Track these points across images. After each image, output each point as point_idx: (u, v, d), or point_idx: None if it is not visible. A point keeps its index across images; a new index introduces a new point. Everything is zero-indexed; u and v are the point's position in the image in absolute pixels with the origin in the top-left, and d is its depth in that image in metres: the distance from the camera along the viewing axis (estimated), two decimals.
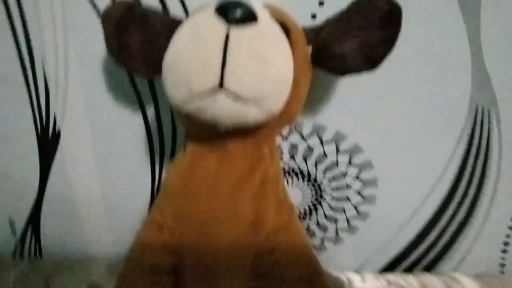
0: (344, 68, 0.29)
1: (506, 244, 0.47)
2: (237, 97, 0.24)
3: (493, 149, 0.40)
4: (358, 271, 0.48)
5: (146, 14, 0.29)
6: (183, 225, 0.30)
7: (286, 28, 0.27)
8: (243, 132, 0.28)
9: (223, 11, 0.23)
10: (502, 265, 0.49)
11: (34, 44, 0.35)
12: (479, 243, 0.47)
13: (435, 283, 0.45)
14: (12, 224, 0.47)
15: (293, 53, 0.26)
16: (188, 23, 0.25)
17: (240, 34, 0.23)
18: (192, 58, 0.23)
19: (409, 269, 0.49)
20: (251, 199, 0.29)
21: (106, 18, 0.28)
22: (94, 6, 0.33)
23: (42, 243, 0.48)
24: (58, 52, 0.36)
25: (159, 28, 0.29)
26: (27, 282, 0.42)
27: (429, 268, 0.49)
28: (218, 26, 0.23)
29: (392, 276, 0.46)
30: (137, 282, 0.30)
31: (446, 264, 0.49)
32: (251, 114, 0.25)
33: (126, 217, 0.44)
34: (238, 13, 0.23)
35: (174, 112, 0.33)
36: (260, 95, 0.24)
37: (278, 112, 0.26)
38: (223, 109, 0.24)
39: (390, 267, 0.49)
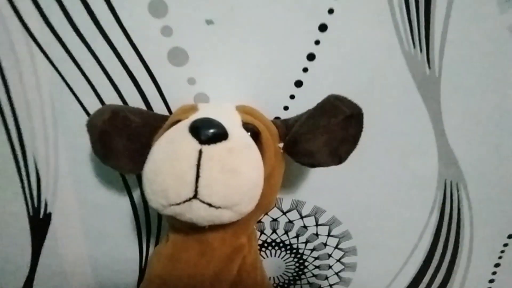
0: (313, 162, 0.31)
1: None
2: (211, 206, 0.26)
3: (464, 217, 0.42)
4: None
5: (128, 117, 0.32)
6: None
7: (256, 131, 0.29)
8: (221, 226, 0.30)
9: (196, 131, 0.25)
10: None
11: (25, 137, 0.38)
12: None
13: None
14: None
15: (263, 154, 0.29)
16: (164, 138, 0.27)
17: (212, 151, 0.25)
18: (168, 172, 0.26)
19: None
20: (228, 282, 0.31)
21: (90, 127, 0.31)
22: (82, 104, 0.36)
23: None
24: (48, 144, 0.38)
25: (141, 128, 0.32)
26: None
27: None
28: (191, 144, 0.25)
29: None
30: None
31: None
32: (225, 217, 0.27)
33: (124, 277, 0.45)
34: (210, 133, 0.25)
35: None
36: (231, 203, 0.26)
37: (250, 211, 0.28)
38: (198, 215, 0.26)
39: None
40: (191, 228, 0.31)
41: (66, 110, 0.36)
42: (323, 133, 0.30)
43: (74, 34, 0.33)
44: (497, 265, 0.46)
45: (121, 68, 0.34)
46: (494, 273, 0.46)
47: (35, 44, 0.34)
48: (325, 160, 0.31)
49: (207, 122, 0.26)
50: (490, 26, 0.32)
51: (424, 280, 0.46)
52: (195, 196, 0.26)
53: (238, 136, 0.27)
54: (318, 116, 0.30)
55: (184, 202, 0.26)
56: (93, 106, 0.35)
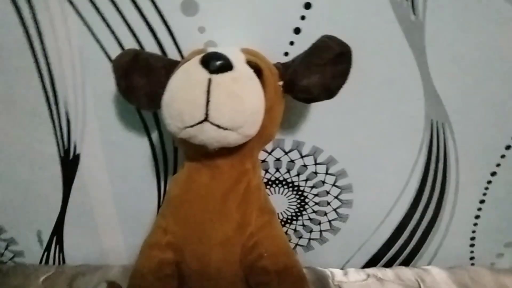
0: (308, 97, 0.36)
1: (472, 238, 0.53)
2: (219, 127, 0.31)
3: (450, 156, 0.47)
4: (342, 268, 0.54)
5: (148, 59, 0.37)
6: (183, 228, 0.37)
7: (258, 70, 0.34)
8: (229, 151, 0.35)
9: (206, 63, 0.30)
10: (472, 258, 0.55)
11: (57, 84, 0.43)
12: (448, 239, 0.53)
13: (409, 275, 0.52)
14: (39, 235, 0.54)
15: (264, 88, 0.33)
16: (180, 70, 0.32)
17: (219, 79, 0.30)
18: (183, 98, 0.31)
19: (388, 265, 0.55)
20: (237, 206, 0.36)
21: (115, 65, 0.36)
22: (106, 54, 0.41)
23: (65, 252, 0.55)
24: (77, 90, 0.43)
25: (159, 69, 0.36)
26: (53, 284, 0.49)
27: (406, 263, 0.55)
28: (202, 74, 0.30)
29: (371, 270, 0.53)
30: (147, 277, 0.37)
31: (421, 259, 0.55)
32: (231, 138, 0.32)
33: (137, 225, 0.51)
34: (217, 64, 0.30)
35: (172, 137, 0.40)
36: (237, 125, 0.31)
37: (254, 134, 0.33)
38: (209, 136, 0.31)
39: (371, 264, 0.55)
40: (203, 156, 0.36)
41: (92, 59, 0.41)
42: (317, 70, 0.34)
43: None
44: (482, 201, 0.50)
45: (140, 19, 0.39)
46: (479, 209, 0.51)
47: (67, 0, 0.38)
48: (319, 95, 0.35)
49: (216, 55, 0.30)
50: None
51: (415, 216, 0.51)
52: (206, 119, 0.30)
53: (242, 69, 0.32)
54: (312, 55, 0.35)
55: (197, 124, 0.31)
56: (116, 54, 0.39)
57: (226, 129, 0.31)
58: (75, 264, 0.54)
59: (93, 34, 0.40)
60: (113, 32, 0.39)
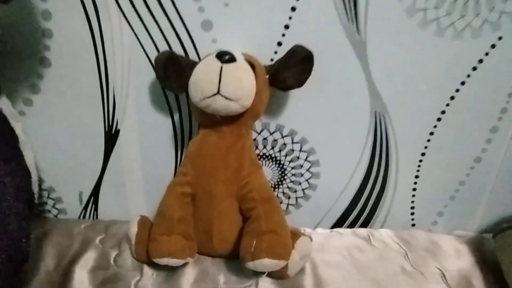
0: (285, 86, 0.54)
1: (412, 208, 0.70)
2: (226, 98, 0.48)
3: (390, 139, 0.64)
4: (314, 229, 0.71)
5: (178, 57, 0.54)
6: (198, 172, 0.54)
7: (252, 65, 0.52)
8: (230, 120, 0.52)
9: (219, 56, 0.48)
10: (413, 225, 0.72)
11: (110, 75, 0.60)
12: (393, 208, 0.70)
13: (362, 231, 0.68)
14: (80, 195, 0.70)
15: (256, 77, 0.51)
16: (202, 62, 0.50)
17: (227, 66, 0.48)
18: (203, 78, 0.48)
19: (351, 226, 0.72)
20: (235, 157, 0.53)
21: (156, 60, 0.53)
22: (147, 55, 0.59)
23: (98, 210, 0.71)
24: (123, 80, 0.60)
25: (184, 65, 0.54)
26: (93, 229, 0.65)
27: (365, 225, 0.72)
28: (217, 63, 0.48)
29: (335, 229, 0.69)
30: (173, 203, 0.53)
31: (374, 224, 0.72)
32: (234, 107, 0.49)
33: (157, 189, 0.67)
34: (227, 57, 0.48)
35: (192, 110, 0.58)
36: (238, 97, 0.48)
37: (248, 106, 0.50)
38: (219, 105, 0.49)
39: (336, 226, 0.72)
40: (213, 123, 0.53)
41: (136, 58, 0.59)
42: (290, 68, 0.52)
43: (146, 11, 0.56)
44: (416, 176, 0.67)
45: (173, 32, 0.57)
46: (415, 183, 0.68)
47: (122, 14, 0.56)
48: (292, 84, 0.53)
49: (226, 52, 0.48)
50: (391, 8, 0.54)
51: (367, 187, 0.68)
52: (218, 93, 0.48)
53: (242, 62, 0.50)
54: (288, 57, 0.53)
55: (211, 96, 0.48)
56: (154, 56, 0.57)
57: (231, 100, 0.48)
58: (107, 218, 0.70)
59: (139, 40, 0.58)
60: (153, 40, 0.57)
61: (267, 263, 0.48)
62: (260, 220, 0.51)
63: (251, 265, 0.49)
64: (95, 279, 0.53)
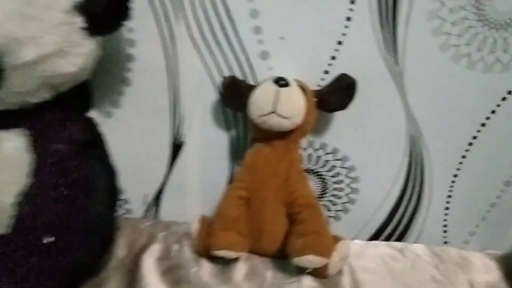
0: (330, 109, 0.62)
1: (445, 226, 0.76)
2: (280, 116, 0.57)
3: (425, 160, 0.71)
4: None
5: (239, 82, 0.64)
6: (252, 179, 0.62)
7: (303, 89, 0.61)
8: (282, 135, 0.61)
9: (276, 81, 0.57)
10: (445, 243, 0.77)
11: (181, 95, 0.71)
12: (427, 224, 0.75)
13: (397, 244, 0.74)
14: (144, 198, 0.80)
15: (306, 100, 0.60)
16: (260, 86, 0.59)
17: (283, 90, 0.57)
18: (262, 99, 0.57)
19: (386, 240, 0.78)
20: (285, 168, 0.62)
21: (223, 83, 0.63)
22: (212, 78, 0.69)
23: (160, 212, 0.81)
24: (191, 99, 0.71)
25: (245, 88, 0.64)
26: (156, 226, 0.75)
27: (399, 240, 0.78)
28: (274, 87, 0.57)
29: (371, 241, 0.75)
30: (230, 203, 0.62)
31: (409, 238, 0.77)
32: (286, 124, 0.58)
33: (212, 197, 0.76)
34: (282, 82, 0.57)
35: (249, 125, 0.66)
36: (290, 115, 0.57)
37: (298, 124, 0.59)
38: (274, 122, 0.58)
39: (373, 239, 0.78)
40: (267, 138, 0.62)
41: (203, 80, 0.69)
42: (336, 92, 0.61)
43: (214, 42, 0.66)
44: (449, 196, 0.73)
45: (234, 60, 0.67)
46: (448, 202, 0.74)
47: (193, 44, 0.67)
48: (336, 107, 0.62)
49: (282, 78, 0.58)
50: (427, 44, 0.62)
51: (402, 204, 0.74)
52: (273, 111, 0.57)
53: (295, 87, 0.59)
54: (334, 84, 0.61)
55: (268, 114, 0.57)
56: (219, 80, 0.67)
57: (284, 117, 0.57)
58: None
59: (206, 66, 0.68)
60: (218, 67, 0.68)
61: (311, 259, 0.56)
62: (305, 223, 0.59)
63: (297, 261, 0.57)
64: (160, 266, 0.62)
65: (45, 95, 0.53)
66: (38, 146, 0.54)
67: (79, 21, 0.50)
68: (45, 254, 0.48)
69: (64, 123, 0.56)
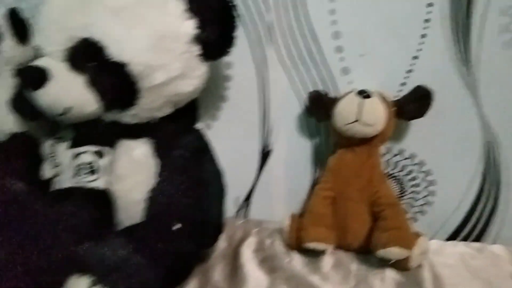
0: (408, 117, 0.69)
1: None
2: (364, 124, 0.65)
3: (501, 164, 0.75)
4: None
5: (322, 95, 0.73)
6: (336, 180, 0.70)
7: (384, 100, 0.68)
8: (364, 141, 0.68)
9: (359, 93, 0.65)
10: None
11: (271, 109, 0.81)
12: (506, 225, 0.79)
13: (475, 245, 0.77)
14: (236, 200, 0.91)
15: (386, 110, 0.67)
16: (345, 97, 0.68)
17: (366, 101, 0.65)
18: (347, 109, 0.66)
19: (464, 240, 0.81)
20: (367, 171, 0.69)
21: (309, 96, 0.73)
22: (297, 94, 0.78)
23: (250, 212, 0.91)
24: (279, 113, 0.80)
25: (327, 101, 0.72)
26: (248, 225, 0.84)
27: (477, 240, 0.81)
28: (357, 98, 0.65)
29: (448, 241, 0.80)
30: (318, 202, 0.70)
31: (487, 239, 0.81)
32: (368, 131, 0.66)
33: (296, 200, 0.85)
34: (365, 93, 0.65)
35: (332, 133, 0.74)
36: (372, 123, 0.65)
37: (379, 132, 0.66)
38: (357, 129, 0.66)
39: (450, 240, 0.82)
40: (350, 144, 0.70)
41: (289, 96, 0.79)
42: (413, 102, 0.68)
43: (299, 61, 0.76)
44: None
45: (317, 77, 0.76)
46: None
47: (282, 63, 0.77)
48: (414, 116, 0.68)
49: (364, 90, 0.66)
50: (500, 55, 0.67)
51: (480, 204, 0.78)
52: (357, 120, 0.65)
53: (376, 98, 0.66)
54: (411, 94, 0.68)
55: (352, 122, 0.65)
56: (304, 96, 0.76)
57: (367, 125, 0.65)
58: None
59: (292, 82, 0.77)
60: (304, 82, 0.77)
61: (395, 251, 0.62)
62: (388, 220, 0.66)
63: (381, 252, 0.63)
64: (256, 257, 0.72)
65: (167, 110, 0.65)
66: (161, 152, 0.66)
67: (196, 49, 0.62)
68: (173, 238, 0.59)
69: (180, 133, 0.68)
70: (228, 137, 0.84)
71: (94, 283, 0.52)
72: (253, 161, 0.86)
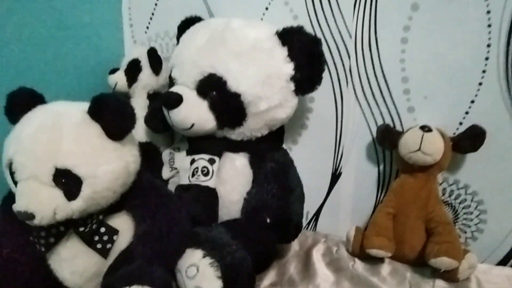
0: (463, 151, 0.82)
1: None
2: (424, 154, 0.79)
3: None
4: None
5: (391, 128, 0.88)
6: (398, 200, 0.84)
7: (442, 134, 0.81)
8: (424, 168, 0.82)
9: (422, 128, 0.79)
10: None
11: (343, 136, 0.96)
12: None
13: None
14: (306, 214, 1.06)
15: (444, 143, 0.81)
16: (409, 131, 0.82)
17: (427, 134, 0.79)
18: (411, 141, 0.80)
19: None
20: (425, 194, 0.82)
21: (378, 129, 0.88)
22: (368, 125, 0.93)
23: (317, 226, 1.05)
24: (351, 141, 0.96)
25: (394, 133, 0.87)
26: (317, 236, 0.99)
27: None
28: (420, 132, 0.79)
29: (499, 266, 0.89)
30: (381, 216, 0.84)
31: None
32: (427, 160, 0.79)
33: (361, 217, 0.99)
34: (426, 129, 0.79)
35: (397, 160, 0.88)
36: (431, 153, 0.78)
37: (437, 161, 0.80)
38: (419, 157, 0.79)
39: (500, 265, 0.91)
40: (411, 170, 0.84)
41: (361, 127, 0.94)
42: (469, 138, 0.81)
43: (372, 99, 0.91)
44: None
45: (388, 113, 0.91)
46: None
47: (357, 101, 0.93)
48: (469, 150, 0.81)
49: (426, 126, 0.80)
50: None
51: None
52: (419, 149, 0.79)
53: (435, 132, 0.80)
54: (467, 131, 0.81)
55: (414, 151, 0.79)
56: (373, 127, 0.92)
57: (427, 154, 0.79)
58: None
59: (364, 116, 0.93)
60: (374, 117, 0.92)
61: (445, 261, 0.74)
62: (441, 235, 0.78)
63: (433, 261, 0.75)
64: (324, 259, 0.86)
65: (264, 132, 0.83)
66: (256, 164, 0.84)
67: (292, 86, 0.80)
68: (263, 231, 0.76)
69: (271, 150, 0.86)
70: (305, 159, 0.99)
71: (204, 256, 0.68)
72: (325, 181, 1.01)
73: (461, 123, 0.85)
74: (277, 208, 0.77)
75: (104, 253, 0.64)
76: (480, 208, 0.89)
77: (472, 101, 0.83)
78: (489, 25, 0.80)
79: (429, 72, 0.85)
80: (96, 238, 0.63)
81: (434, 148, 0.78)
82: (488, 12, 0.79)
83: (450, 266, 0.74)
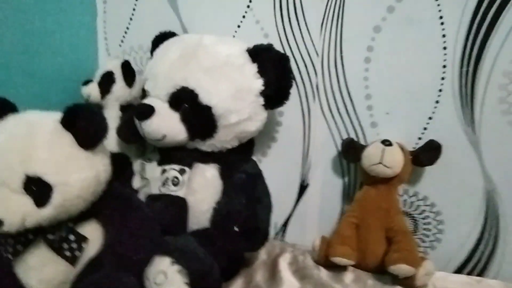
0: (422, 164, 0.87)
1: None
2: (385, 166, 0.83)
3: (499, 208, 0.90)
4: None
5: (354, 142, 0.92)
6: (361, 210, 0.88)
7: (402, 149, 0.86)
8: (385, 181, 0.86)
9: (383, 142, 0.84)
10: None
11: (310, 149, 1.00)
12: (504, 264, 0.92)
13: (476, 278, 0.91)
14: (275, 225, 1.09)
15: (404, 156, 0.86)
16: (371, 145, 0.87)
17: (387, 148, 0.83)
18: (372, 154, 0.84)
19: (468, 275, 0.95)
20: (386, 205, 0.86)
21: (342, 143, 0.92)
22: (334, 139, 0.98)
23: (285, 236, 1.08)
24: (319, 154, 1.00)
25: (358, 147, 0.91)
26: (284, 245, 1.02)
27: (479, 275, 0.95)
28: (381, 146, 0.84)
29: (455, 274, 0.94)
30: (345, 226, 0.88)
31: (489, 275, 0.94)
32: (388, 172, 0.84)
33: (327, 226, 1.02)
34: (387, 143, 0.84)
35: (360, 173, 0.93)
36: (392, 166, 0.83)
37: (398, 173, 0.85)
38: (380, 170, 0.84)
39: (456, 273, 0.96)
40: (373, 182, 0.88)
41: (327, 141, 0.98)
42: (426, 152, 0.86)
43: (338, 114, 0.96)
44: None
45: (352, 127, 0.96)
46: None
47: (323, 115, 0.97)
48: (427, 163, 0.86)
49: (387, 140, 0.84)
50: (498, 119, 0.85)
51: (482, 242, 0.93)
52: (380, 162, 0.84)
53: (396, 146, 0.85)
54: (425, 146, 0.87)
55: (376, 164, 0.84)
56: (338, 140, 0.96)
57: (388, 167, 0.83)
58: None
59: (331, 131, 0.97)
60: (339, 131, 0.97)
61: (403, 268, 0.78)
62: (400, 243, 0.82)
63: (392, 268, 0.79)
64: (291, 267, 0.89)
65: (234, 144, 0.86)
66: (226, 175, 0.86)
67: (261, 100, 0.83)
68: (231, 239, 0.78)
69: (241, 162, 0.89)
70: (274, 171, 1.02)
71: (172, 263, 0.69)
72: (292, 192, 1.05)
73: (420, 138, 0.91)
74: (245, 217, 0.79)
75: (72, 261, 0.65)
76: (438, 218, 0.94)
77: (430, 118, 0.89)
78: (445, 48, 0.86)
79: (391, 90, 0.91)
80: (65, 245, 0.64)
81: (394, 161, 0.83)
82: (444, 36, 0.85)
83: (408, 273, 0.78)
